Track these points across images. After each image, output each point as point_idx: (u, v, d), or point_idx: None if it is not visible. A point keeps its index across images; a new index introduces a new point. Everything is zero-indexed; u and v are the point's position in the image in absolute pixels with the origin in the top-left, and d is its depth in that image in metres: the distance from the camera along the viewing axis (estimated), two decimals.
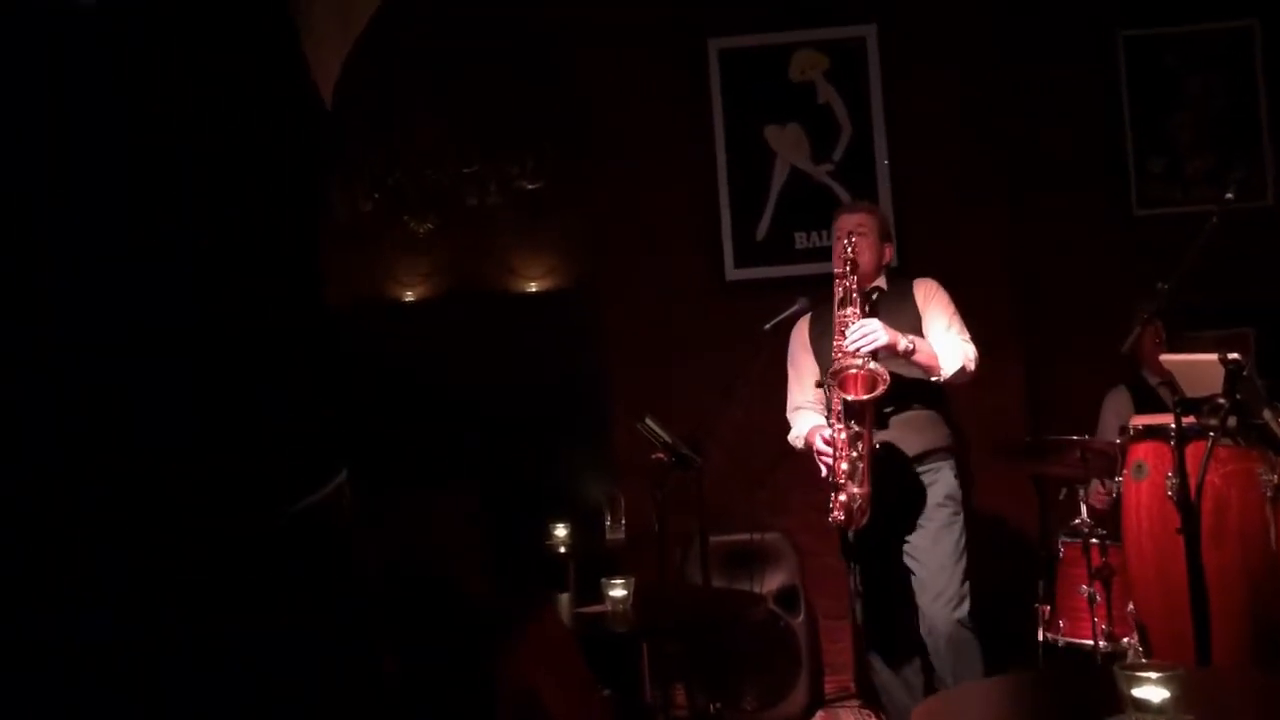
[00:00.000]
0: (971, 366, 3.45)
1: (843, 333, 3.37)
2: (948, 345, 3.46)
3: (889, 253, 3.64)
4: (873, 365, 3.31)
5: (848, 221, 3.59)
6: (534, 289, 4.85)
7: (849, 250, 3.46)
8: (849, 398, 3.32)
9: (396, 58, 4.56)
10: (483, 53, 4.71)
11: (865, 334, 3.31)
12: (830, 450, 3.37)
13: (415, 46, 4.60)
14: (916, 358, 3.38)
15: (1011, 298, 4.42)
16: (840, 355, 3.36)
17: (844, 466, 3.33)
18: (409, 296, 4.90)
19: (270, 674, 0.83)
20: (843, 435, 3.34)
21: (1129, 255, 4.35)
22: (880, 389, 3.29)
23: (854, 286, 3.42)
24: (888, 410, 3.44)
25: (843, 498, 3.33)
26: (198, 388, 0.87)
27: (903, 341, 3.34)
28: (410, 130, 4.82)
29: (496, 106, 4.76)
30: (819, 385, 3.54)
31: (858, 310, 3.38)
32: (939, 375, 3.42)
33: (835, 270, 3.44)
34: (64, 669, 0.77)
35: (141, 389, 0.83)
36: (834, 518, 3.35)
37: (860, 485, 3.33)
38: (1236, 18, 4.45)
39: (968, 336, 3.52)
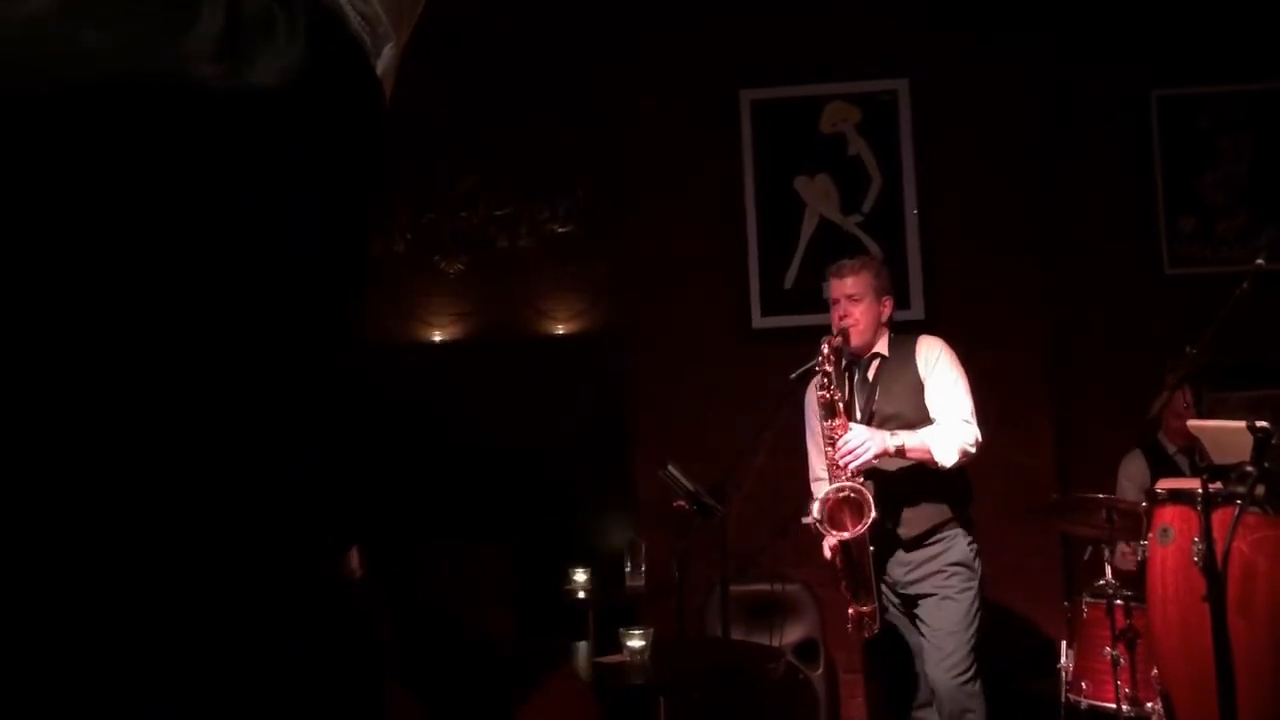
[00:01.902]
0: (972, 450, 3.41)
1: (832, 441, 3.37)
2: (944, 434, 3.40)
3: (888, 308, 3.59)
4: (862, 486, 3.33)
5: (840, 287, 3.55)
6: (561, 332, 4.87)
7: (841, 320, 3.47)
8: (836, 537, 3.35)
9: (435, 97, 4.63)
10: (520, 95, 4.77)
11: (853, 450, 3.31)
12: (835, 561, 3.42)
13: (453, 86, 4.67)
14: (911, 455, 3.37)
15: (1042, 356, 4.40)
16: (831, 466, 3.38)
17: (846, 584, 3.41)
18: (437, 337, 4.93)
19: None
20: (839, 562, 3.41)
21: (1159, 314, 4.33)
22: (868, 518, 3.31)
23: (832, 372, 3.41)
24: (892, 493, 3.43)
25: (851, 611, 3.41)
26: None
27: (893, 445, 3.34)
28: (446, 171, 4.88)
29: (531, 149, 4.81)
30: (805, 521, 3.52)
31: (844, 420, 3.38)
32: (936, 466, 3.40)
33: (822, 352, 3.43)
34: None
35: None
36: (848, 626, 3.44)
37: (866, 604, 3.38)
38: (1268, 80, 4.45)
39: (970, 411, 3.45)
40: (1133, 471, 4.06)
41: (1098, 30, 4.49)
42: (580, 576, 4.01)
